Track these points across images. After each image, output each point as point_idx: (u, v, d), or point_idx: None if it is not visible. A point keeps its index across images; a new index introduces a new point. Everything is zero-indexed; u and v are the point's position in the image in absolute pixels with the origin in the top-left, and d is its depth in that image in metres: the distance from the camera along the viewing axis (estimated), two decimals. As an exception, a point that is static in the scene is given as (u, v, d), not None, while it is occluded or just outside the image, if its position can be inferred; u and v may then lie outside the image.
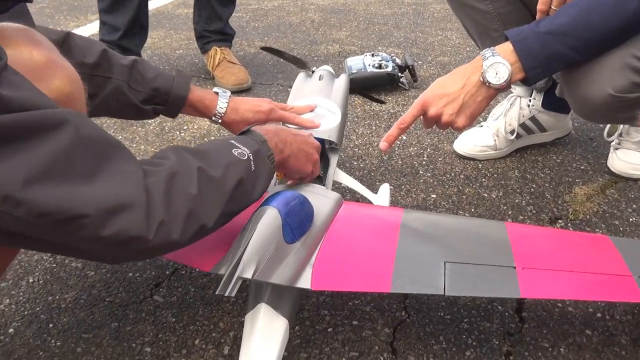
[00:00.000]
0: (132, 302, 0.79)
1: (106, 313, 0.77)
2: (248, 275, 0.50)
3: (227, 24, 1.68)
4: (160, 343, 0.72)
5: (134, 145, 1.26)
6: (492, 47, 0.75)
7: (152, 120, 1.39)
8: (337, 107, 0.90)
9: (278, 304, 0.56)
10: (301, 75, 1.00)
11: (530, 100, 1.15)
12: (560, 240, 0.68)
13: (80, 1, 2.80)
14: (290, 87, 1.65)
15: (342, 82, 0.98)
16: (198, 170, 0.49)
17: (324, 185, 0.82)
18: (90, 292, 0.81)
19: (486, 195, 1.06)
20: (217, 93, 0.79)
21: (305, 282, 0.56)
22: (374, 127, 1.34)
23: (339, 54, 1.92)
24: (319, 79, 0.97)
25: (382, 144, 0.79)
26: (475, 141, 1.17)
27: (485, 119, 1.23)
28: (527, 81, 0.74)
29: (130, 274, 0.85)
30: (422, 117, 0.80)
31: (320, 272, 0.57)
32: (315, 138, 0.87)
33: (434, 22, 2.33)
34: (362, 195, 0.91)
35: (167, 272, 0.85)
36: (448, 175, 1.12)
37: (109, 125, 1.37)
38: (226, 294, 0.47)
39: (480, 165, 1.16)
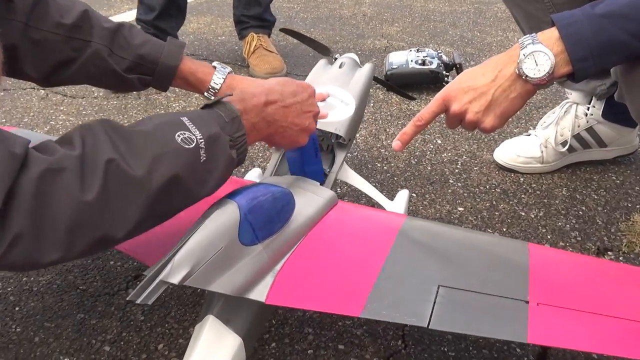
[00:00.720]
0: (104, 294, 0.73)
1: (75, 302, 0.72)
2: (174, 280, 0.42)
3: (268, 10, 1.62)
4: (122, 343, 0.65)
5: (152, 128, 1.23)
6: (533, 34, 0.62)
7: (178, 105, 1.35)
8: (352, 99, 0.80)
9: (230, 318, 0.48)
10: (322, 61, 0.92)
11: (588, 108, 1.00)
12: (594, 272, 0.55)
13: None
14: (328, 80, 1.59)
15: (364, 72, 0.88)
16: (106, 163, 0.39)
17: (324, 183, 0.73)
18: (65, 277, 0.77)
19: (523, 214, 0.92)
20: (214, 67, 0.71)
21: (259, 293, 0.47)
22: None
23: (386, 49, 1.81)
24: (339, 67, 0.88)
25: (396, 143, 0.68)
26: (519, 151, 1.03)
27: (534, 127, 1.10)
28: (574, 76, 0.61)
29: (112, 262, 0.80)
30: (444, 114, 0.69)
31: (282, 283, 0.48)
32: (321, 131, 0.78)
33: (496, 21, 2.17)
34: (375, 201, 0.81)
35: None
36: (482, 187, 1.00)
37: (133, 105, 1.35)
38: (138, 301, 0.39)
39: (521, 179, 1.03)
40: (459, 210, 0.93)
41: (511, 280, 0.51)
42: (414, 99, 1.04)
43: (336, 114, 0.77)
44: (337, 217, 0.60)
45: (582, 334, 0.45)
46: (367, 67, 0.90)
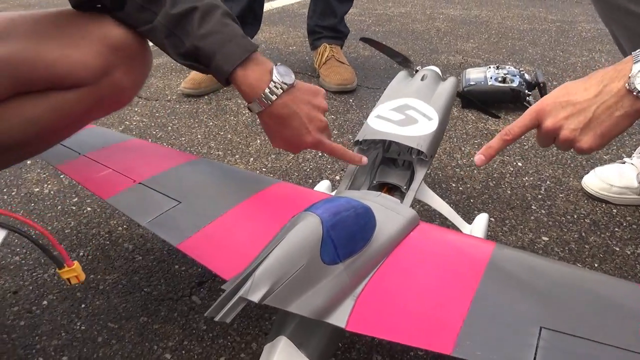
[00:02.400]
0: (168, 298, 0.72)
1: (139, 304, 0.71)
2: (255, 297, 0.39)
3: (342, 22, 1.60)
4: (183, 352, 0.63)
5: (222, 133, 1.23)
6: None
7: (247, 112, 1.35)
8: (435, 113, 0.76)
9: (303, 341, 0.44)
10: (402, 73, 0.88)
11: (698, 138, 0.90)
12: None
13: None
14: (399, 94, 1.54)
15: (448, 86, 0.83)
16: None
17: (402, 201, 0.69)
18: (131, 278, 0.76)
19: (618, 249, 0.83)
20: (272, 78, 0.59)
21: (339, 318, 0.43)
22: (484, 148, 1.16)
23: (461, 65, 1.74)
24: (421, 79, 0.83)
25: (478, 157, 0.61)
26: (613, 179, 0.94)
27: (627, 154, 1.00)
28: None
29: (177, 266, 0.78)
30: (536, 130, 0.62)
31: (364, 309, 0.44)
32: (399, 145, 0.74)
33: (580, 41, 2.04)
34: (452, 223, 0.75)
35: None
36: (569, 217, 0.91)
37: (204, 110, 1.36)
38: (217, 318, 0.36)
39: (614, 210, 0.93)
40: (543, 240, 0.85)
41: (626, 328, 0.44)
42: (498, 117, 0.97)
43: (418, 128, 0.72)
44: (419, 239, 0.56)
45: None
46: (451, 81, 0.85)
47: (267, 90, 0.59)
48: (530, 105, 1.33)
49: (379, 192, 0.62)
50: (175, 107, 1.39)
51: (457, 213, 0.78)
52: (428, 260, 0.52)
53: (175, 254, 0.81)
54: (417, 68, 0.90)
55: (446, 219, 0.76)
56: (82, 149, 0.74)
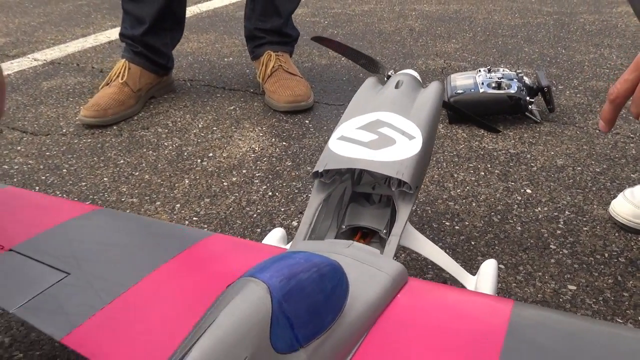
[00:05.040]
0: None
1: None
2: None
3: (289, 22, 1.59)
4: None
5: (136, 174, 1.16)
6: None
7: (170, 143, 1.30)
8: (418, 130, 0.72)
9: None
10: (370, 80, 0.84)
11: None
12: None
13: None
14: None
15: (431, 94, 0.80)
16: None
17: (382, 251, 0.64)
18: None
19: (665, 294, 0.81)
20: None
21: None
22: (482, 173, 1.14)
23: (443, 71, 1.75)
24: (396, 87, 0.80)
25: (600, 124, 0.68)
26: (648, 204, 0.93)
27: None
28: None
29: (75, 363, 0.71)
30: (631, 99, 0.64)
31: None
32: (373, 175, 0.70)
33: (585, 35, 2.11)
34: (450, 276, 0.71)
35: None
36: (598, 256, 0.89)
37: (112, 144, 1.30)
38: None
39: (654, 243, 0.92)
40: (570, 290, 0.82)
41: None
42: (499, 131, 0.95)
43: (397, 151, 0.68)
44: (410, 303, 0.51)
45: None
46: (434, 87, 0.82)
47: None
48: (534, 115, 1.34)
49: (351, 241, 0.58)
50: (73, 142, 1.32)
51: (456, 261, 0.74)
52: (425, 334, 0.47)
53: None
54: (390, 73, 0.88)
55: (442, 270, 0.72)
56: None
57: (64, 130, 1.39)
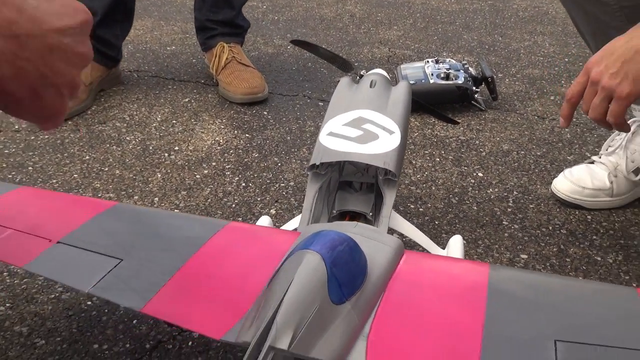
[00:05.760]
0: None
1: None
2: (283, 345, 0.48)
3: (240, 14, 1.73)
4: None
5: (106, 169, 1.28)
6: None
7: (133, 138, 1.42)
8: (395, 125, 0.90)
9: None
10: (345, 80, 1.02)
11: (661, 128, 1.14)
12: None
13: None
14: (322, 100, 1.70)
15: (401, 92, 0.98)
16: None
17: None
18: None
19: (599, 258, 1.03)
20: None
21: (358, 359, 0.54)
22: (437, 159, 1.34)
23: (389, 59, 1.95)
24: (371, 86, 0.98)
25: (560, 120, 0.93)
26: (585, 181, 1.15)
27: (590, 152, 1.22)
28: None
29: (96, 346, 0.84)
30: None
31: (377, 351, 0.55)
32: (356, 166, 0.87)
33: (519, 22, 2.36)
34: (424, 250, 0.90)
35: (148, 346, 0.85)
36: (544, 229, 1.11)
37: (72, 140, 1.40)
38: None
39: (589, 216, 1.14)
40: (523, 258, 1.03)
41: (631, 330, 0.60)
42: (457, 122, 1.15)
43: (381, 145, 0.86)
44: (411, 269, 0.68)
45: None
46: (403, 85, 1.00)
47: None
48: (479, 103, 1.55)
49: (356, 222, 0.75)
50: (30, 139, 1.41)
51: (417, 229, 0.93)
52: (427, 292, 0.65)
53: (90, 330, 0.86)
54: (361, 73, 1.05)
55: (417, 245, 0.90)
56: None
57: (17, 127, 1.47)
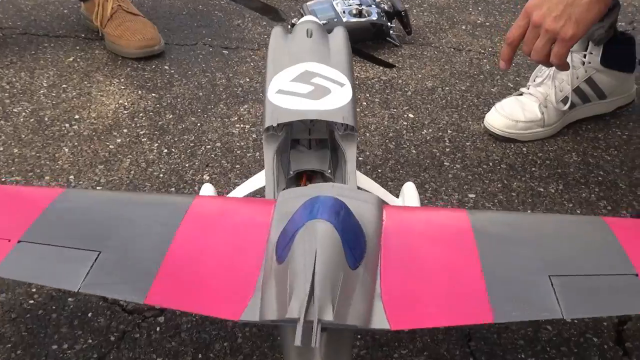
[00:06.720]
0: None
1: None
2: (329, 317, 0.54)
3: (120, -46, 1.69)
4: None
5: (1, 149, 1.25)
6: None
7: (22, 109, 1.38)
8: (344, 76, 0.96)
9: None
10: (278, 31, 1.05)
11: (585, 56, 1.28)
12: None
13: None
14: (225, 47, 1.72)
15: (340, 39, 1.04)
16: None
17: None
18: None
19: (542, 189, 1.17)
20: None
21: (380, 320, 0.61)
22: (365, 103, 1.42)
23: (286, -5, 1.98)
24: (308, 36, 1.03)
25: (501, 63, 1.03)
26: (516, 115, 1.28)
27: (520, 84, 1.35)
28: None
29: (55, 347, 0.86)
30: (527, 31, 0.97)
31: (393, 305, 0.63)
32: (307, 122, 0.93)
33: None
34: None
35: (113, 338, 0.88)
36: (485, 166, 1.23)
37: (-49, 118, 1.34)
38: (314, 345, 0.52)
39: (524, 148, 1.28)
40: (471, 198, 1.14)
41: (610, 256, 0.72)
42: (393, 66, 1.23)
43: (335, 99, 0.92)
44: (396, 224, 0.76)
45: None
46: (340, 32, 1.06)
47: None
48: (394, 39, 1.64)
49: (332, 183, 0.81)
50: None
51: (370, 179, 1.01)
52: (419, 242, 0.74)
53: (43, 330, 0.88)
54: (293, 21, 1.10)
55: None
56: None
57: None
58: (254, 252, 0.70)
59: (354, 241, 0.65)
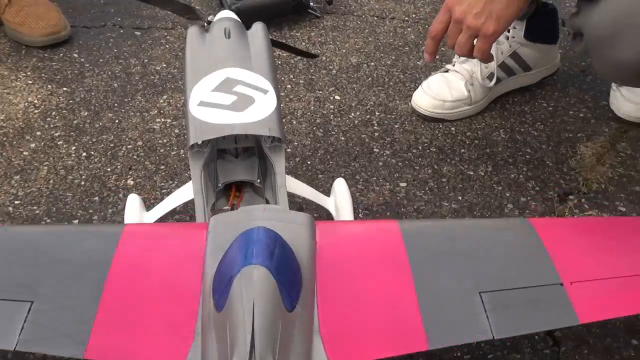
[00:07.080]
0: None
1: None
2: None
3: None
4: None
5: None
6: None
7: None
8: (266, 81, 0.97)
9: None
10: (194, 31, 1.04)
11: (509, 31, 1.33)
12: (600, 234, 0.85)
13: None
14: (137, 27, 1.68)
15: (260, 37, 1.04)
16: None
17: (267, 200, 0.91)
18: None
19: (472, 173, 1.22)
20: None
21: (320, 358, 0.65)
22: (289, 85, 1.43)
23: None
24: (226, 37, 1.02)
25: (425, 56, 1.07)
26: (444, 95, 1.32)
27: (451, 62, 1.39)
28: None
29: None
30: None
31: (332, 339, 0.67)
32: (252, 136, 0.94)
33: None
34: (307, 200, 1.01)
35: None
36: (414, 150, 1.27)
37: None
38: None
39: (453, 128, 1.33)
40: (403, 187, 1.18)
41: (536, 265, 0.77)
42: (316, 55, 1.24)
43: (259, 109, 0.93)
44: (329, 245, 0.79)
45: (618, 301, 0.74)
46: (259, 28, 1.06)
47: None
48: (315, 11, 1.65)
49: (264, 206, 0.83)
50: None
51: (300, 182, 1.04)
52: (352, 265, 0.77)
53: None
54: (209, 18, 1.09)
55: (296, 196, 1.01)
56: None
57: None
58: (190, 290, 0.73)
59: (290, 281, 0.68)
